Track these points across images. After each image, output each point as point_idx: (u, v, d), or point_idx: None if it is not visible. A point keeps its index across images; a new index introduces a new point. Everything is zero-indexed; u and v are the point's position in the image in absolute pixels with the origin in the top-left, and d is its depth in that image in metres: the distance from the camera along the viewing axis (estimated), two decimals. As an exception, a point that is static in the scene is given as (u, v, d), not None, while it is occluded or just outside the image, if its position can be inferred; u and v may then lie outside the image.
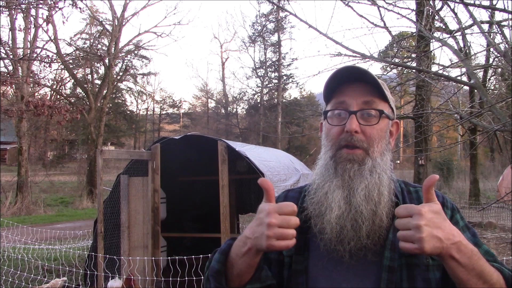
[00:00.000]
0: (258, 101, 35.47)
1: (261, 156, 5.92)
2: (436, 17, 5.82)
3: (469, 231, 1.15)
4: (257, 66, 34.75)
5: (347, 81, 1.14)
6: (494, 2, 4.81)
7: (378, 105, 1.13)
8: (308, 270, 1.12)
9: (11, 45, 14.74)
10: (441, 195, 1.17)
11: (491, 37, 5.01)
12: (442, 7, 5.76)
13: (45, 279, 5.86)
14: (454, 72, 5.93)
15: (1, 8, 8.32)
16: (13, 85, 13.86)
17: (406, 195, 1.18)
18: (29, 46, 16.15)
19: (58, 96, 22.25)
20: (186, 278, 4.45)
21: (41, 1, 8.44)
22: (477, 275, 0.96)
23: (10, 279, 5.84)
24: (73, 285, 5.54)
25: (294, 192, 1.28)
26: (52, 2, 8.52)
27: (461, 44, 5.37)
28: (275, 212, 0.97)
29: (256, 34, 34.66)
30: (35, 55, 13.41)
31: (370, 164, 1.10)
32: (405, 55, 7.02)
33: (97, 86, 22.48)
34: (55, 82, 21.05)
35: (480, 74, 9.99)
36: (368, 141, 1.11)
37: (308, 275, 1.11)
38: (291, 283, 1.12)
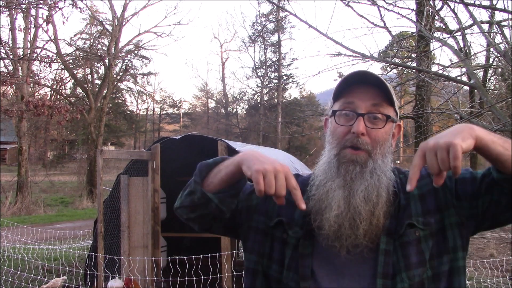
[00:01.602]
0: (258, 101, 35.43)
1: (261, 156, 5.91)
2: (436, 17, 5.82)
3: (466, 171, 1.19)
4: (257, 66, 34.68)
5: (358, 82, 1.17)
6: (494, 2, 4.81)
7: (385, 109, 1.17)
8: (313, 255, 1.16)
9: (11, 45, 14.73)
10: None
11: (491, 37, 5.01)
12: (442, 7, 5.76)
13: (45, 279, 5.86)
14: (454, 72, 5.92)
15: (1, 8, 8.32)
16: (13, 85, 13.87)
17: (399, 182, 1.20)
18: (29, 46, 16.13)
19: (58, 96, 22.22)
20: (186, 278, 4.45)
21: (41, 1, 8.44)
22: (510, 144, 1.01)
23: (10, 279, 5.85)
24: (73, 285, 5.54)
25: (303, 179, 1.30)
26: (52, 2, 8.52)
27: (461, 44, 5.36)
28: (286, 171, 1.02)
29: (256, 34, 34.58)
30: (35, 55, 13.40)
31: (371, 166, 1.13)
32: (405, 55, 7.01)
33: (97, 86, 22.46)
34: (55, 82, 21.05)
35: (480, 74, 9.96)
36: (372, 144, 1.14)
37: (313, 260, 1.16)
38: (298, 265, 1.16)
